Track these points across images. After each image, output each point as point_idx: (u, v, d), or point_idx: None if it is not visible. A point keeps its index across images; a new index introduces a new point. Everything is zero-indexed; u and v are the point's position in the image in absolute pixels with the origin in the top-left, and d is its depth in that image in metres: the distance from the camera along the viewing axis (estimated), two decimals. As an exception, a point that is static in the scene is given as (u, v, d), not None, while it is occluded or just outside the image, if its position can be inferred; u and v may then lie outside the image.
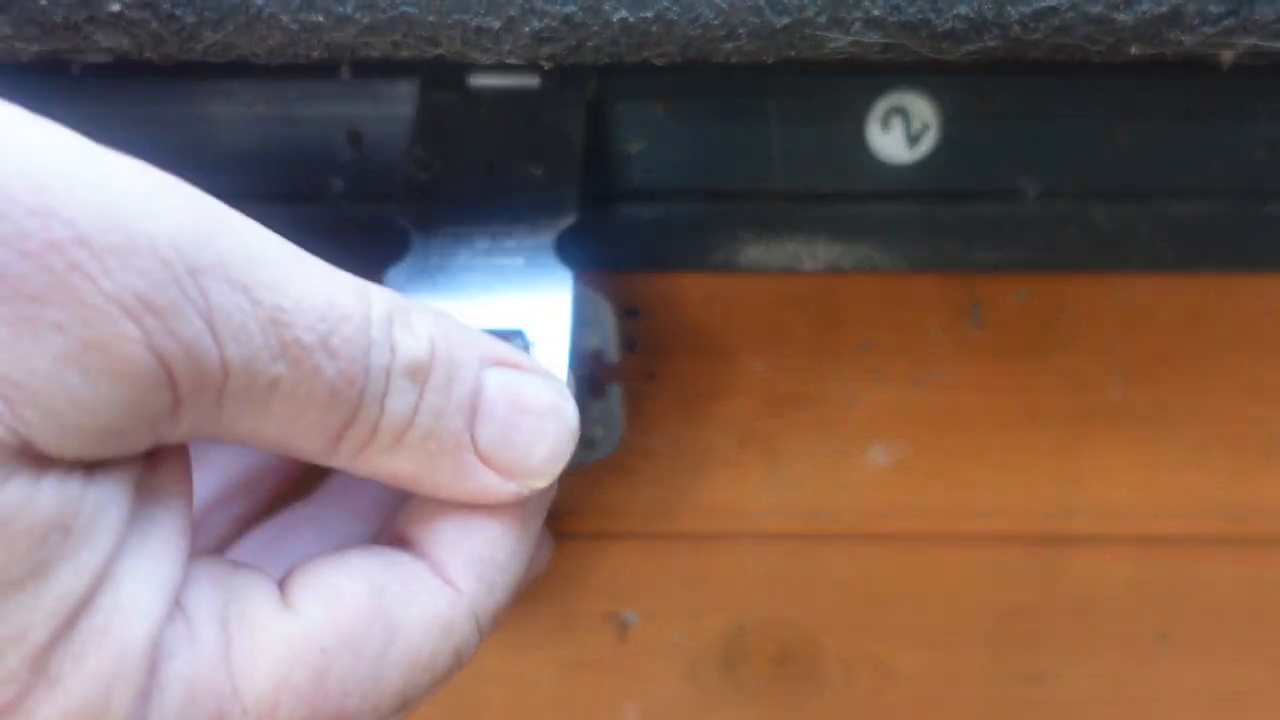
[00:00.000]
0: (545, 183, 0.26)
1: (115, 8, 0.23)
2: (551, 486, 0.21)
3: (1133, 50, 0.24)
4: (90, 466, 0.16)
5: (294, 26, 0.23)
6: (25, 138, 0.16)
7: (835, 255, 0.29)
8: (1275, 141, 0.28)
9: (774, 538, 0.34)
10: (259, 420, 0.17)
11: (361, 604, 0.19)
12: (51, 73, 0.26)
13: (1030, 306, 0.31)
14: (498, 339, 0.21)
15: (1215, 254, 0.29)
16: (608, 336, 0.29)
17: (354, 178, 0.28)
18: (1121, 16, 0.23)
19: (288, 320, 0.17)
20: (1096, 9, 0.23)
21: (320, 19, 0.23)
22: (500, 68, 0.26)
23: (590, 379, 0.30)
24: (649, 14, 0.23)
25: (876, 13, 0.23)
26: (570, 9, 0.23)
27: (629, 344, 0.31)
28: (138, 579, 0.17)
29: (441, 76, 0.27)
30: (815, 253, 0.29)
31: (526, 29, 0.23)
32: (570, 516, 0.34)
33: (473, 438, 0.20)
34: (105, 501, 0.16)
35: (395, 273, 0.24)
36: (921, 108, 0.27)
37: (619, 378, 0.30)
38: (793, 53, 0.24)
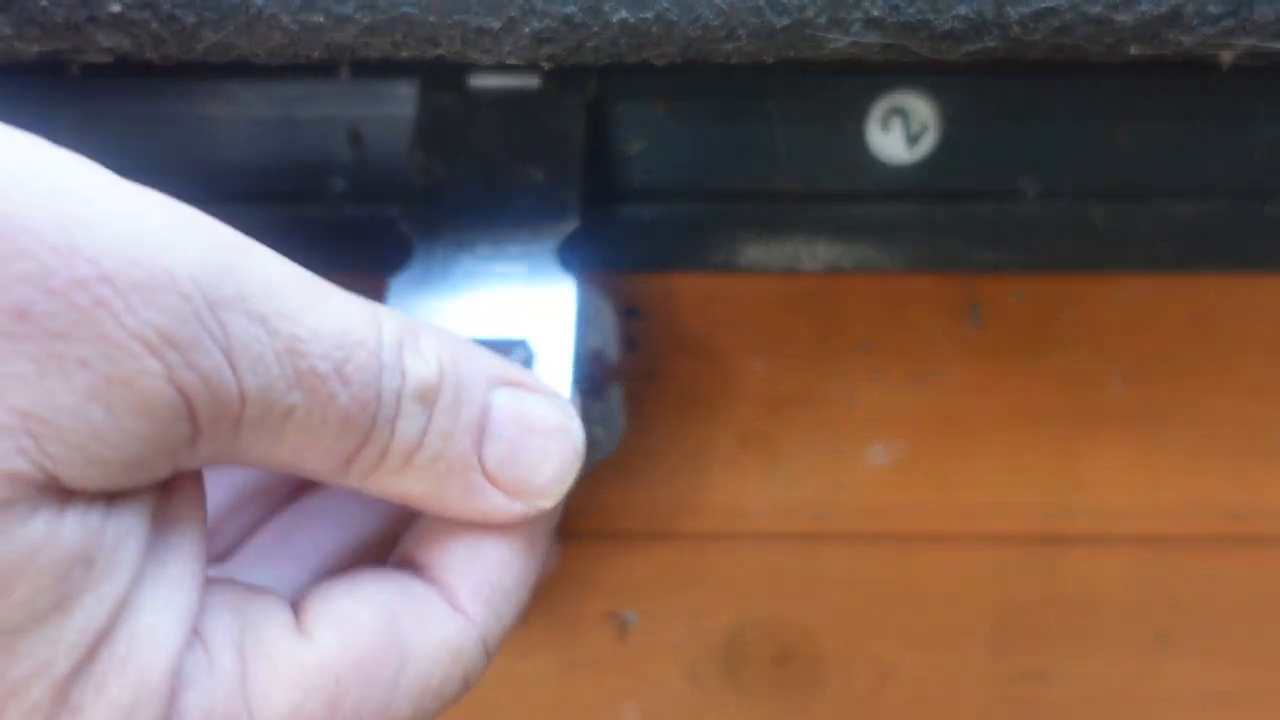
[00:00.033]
0: (547, 188, 0.26)
1: (115, 8, 0.23)
2: (557, 507, 0.21)
3: (1132, 50, 0.24)
4: (111, 497, 0.16)
5: (294, 27, 0.23)
6: (45, 171, 0.16)
7: (835, 255, 0.29)
8: (1275, 141, 0.28)
9: (774, 538, 0.34)
10: (274, 446, 0.18)
11: (375, 632, 0.19)
12: (51, 73, 0.26)
13: (1030, 306, 0.31)
14: (504, 359, 0.21)
15: (1215, 254, 0.29)
16: (608, 337, 0.29)
17: (354, 178, 0.28)
18: (1121, 17, 0.23)
19: (303, 349, 0.17)
20: (1096, 9, 0.23)
21: (320, 19, 0.23)
22: (500, 68, 0.26)
23: (590, 379, 0.30)
24: (649, 14, 0.23)
25: (876, 13, 0.23)
26: (570, 9, 0.23)
27: (629, 344, 0.31)
28: (156, 608, 0.17)
29: (441, 77, 0.27)
30: (815, 253, 0.29)
31: (526, 29, 0.23)
32: (570, 516, 0.34)
33: (480, 458, 0.20)
34: (125, 532, 0.17)
35: (399, 282, 0.24)
36: (921, 108, 0.27)
37: (619, 378, 0.31)
38: (793, 53, 0.24)
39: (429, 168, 0.26)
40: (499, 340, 0.23)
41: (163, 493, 0.18)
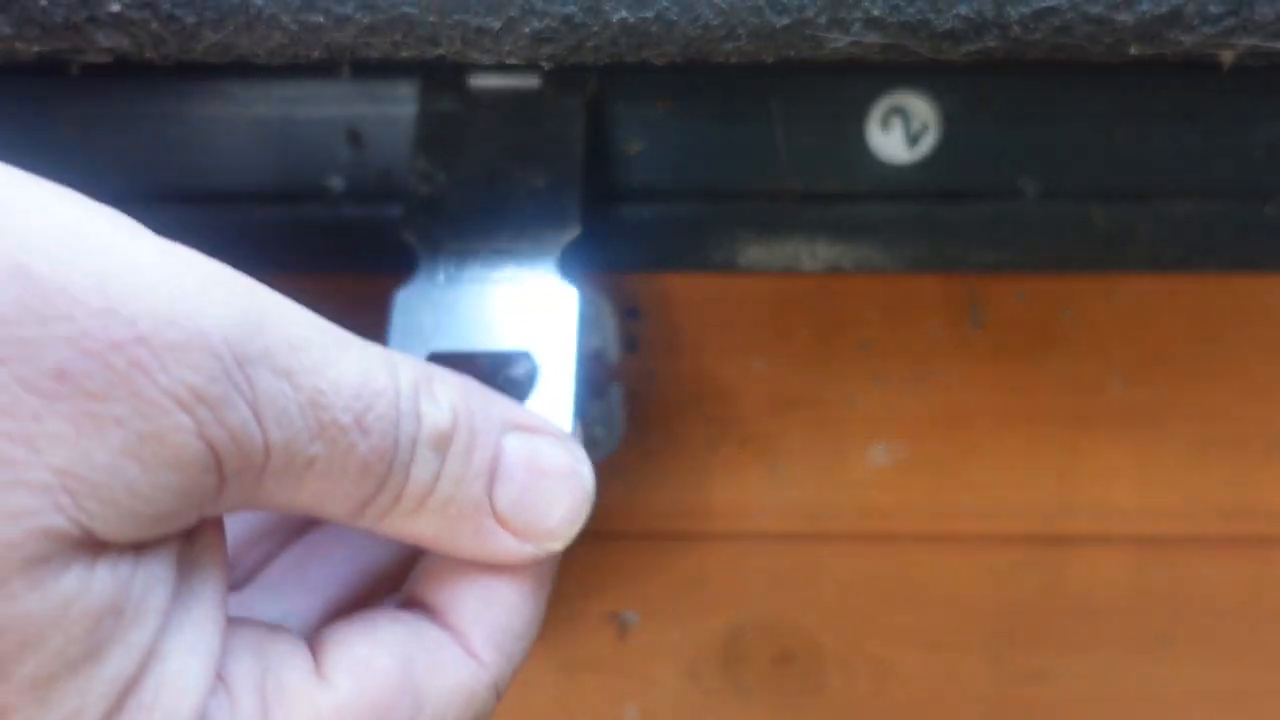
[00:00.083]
0: (548, 195, 0.26)
1: (115, 8, 0.23)
2: (565, 549, 0.22)
3: (1133, 50, 0.24)
4: (139, 547, 0.17)
5: (294, 27, 0.23)
6: (86, 230, 0.16)
7: (835, 255, 0.29)
8: (1275, 141, 0.28)
9: (774, 538, 0.34)
10: (295, 493, 0.18)
11: (391, 677, 0.20)
12: (51, 73, 0.26)
13: (1030, 306, 0.31)
14: (517, 404, 0.22)
15: (1215, 254, 0.29)
16: (608, 337, 0.29)
17: (354, 178, 0.28)
18: (1121, 16, 0.23)
19: (326, 402, 0.18)
20: (1096, 9, 0.23)
21: (320, 19, 0.23)
22: (500, 68, 0.26)
23: (591, 379, 0.30)
24: (649, 14, 0.23)
25: (876, 13, 0.23)
26: (570, 9, 0.23)
27: (629, 344, 0.31)
28: (182, 654, 0.17)
29: (441, 77, 0.27)
30: (815, 253, 0.29)
31: (526, 29, 0.23)
32: (570, 516, 0.34)
33: (491, 501, 0.21)
34: (153, 581, 0.17)
35: (404, 296, 0.24)
36: (921, 108, 0.27)
37: (619, 378, 0.30)
38: (793, 53, 0.24)
39: (431, 175, 0.26)
40: (503, 352, 0.23)
41: (186, 540, 0.18)
